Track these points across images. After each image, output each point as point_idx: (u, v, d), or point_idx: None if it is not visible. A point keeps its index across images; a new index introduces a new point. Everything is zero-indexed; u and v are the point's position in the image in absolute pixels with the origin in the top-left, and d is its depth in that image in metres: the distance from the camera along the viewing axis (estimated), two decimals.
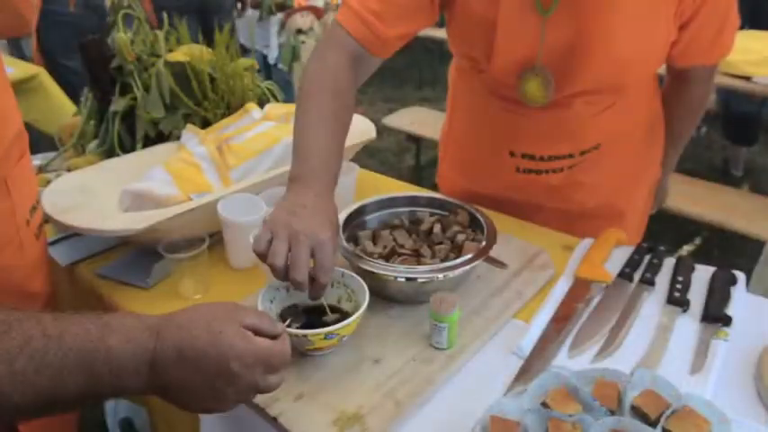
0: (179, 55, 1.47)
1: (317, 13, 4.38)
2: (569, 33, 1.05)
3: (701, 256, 3.04)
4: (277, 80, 4.60)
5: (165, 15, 1.61)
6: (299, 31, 4.29)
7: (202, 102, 1.43)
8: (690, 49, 1.15)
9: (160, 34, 1.51)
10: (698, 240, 3.10)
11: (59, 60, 3.29)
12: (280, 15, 4.30)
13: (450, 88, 1.39)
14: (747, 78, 2.72)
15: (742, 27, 3.29)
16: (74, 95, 2.55)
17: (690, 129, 1.40)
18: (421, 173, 3.84)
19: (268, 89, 1.69)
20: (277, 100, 1.69)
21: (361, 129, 1.42)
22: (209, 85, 1.43)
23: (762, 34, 3.00)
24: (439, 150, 1.49)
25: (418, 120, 3.52)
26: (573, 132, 1.21)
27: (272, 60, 4.37)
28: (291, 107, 1.52)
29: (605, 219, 1.30)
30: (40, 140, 2.71)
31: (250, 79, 1.59)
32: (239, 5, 4.22)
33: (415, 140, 3.66)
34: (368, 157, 4.31)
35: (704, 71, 1.25)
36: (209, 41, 1.53)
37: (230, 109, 1.46)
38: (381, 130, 3.82)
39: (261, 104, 1.55)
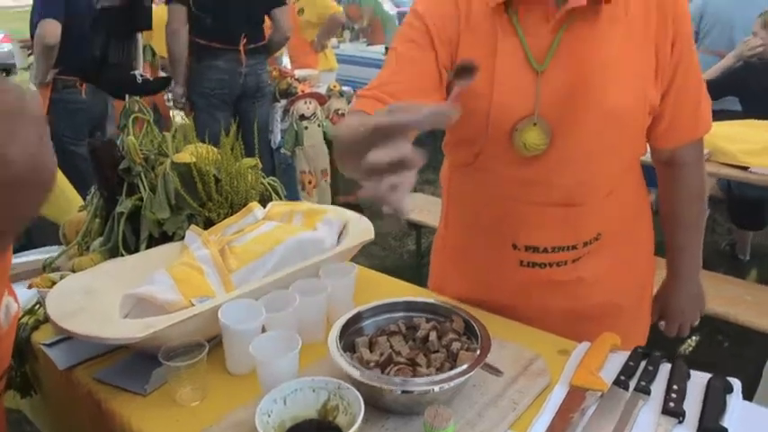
0: (185, 155, 1.53)
1: (320, 99, 4.53)
2: (564, 86, 1.11)
3: (708, 348, 3.02)
4: (279, 163, 4.71)
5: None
6: (302, 117, 4.42)
7: (206, 203, 1.47)
8: (674, 124, 1.22)
9: (168, 135, 1.57)
10: (706, 331, 3.08)
11: (68, 147, 3.38)
12: (284, 102, 4.45)
13: (444, 194, 1.42)
14: (745, 168, 2.78)
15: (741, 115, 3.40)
16: (80, 181, 2.59)
17: (700, 217, 1.40)
18: (422, 259, 3.87)
19: (270, 186, 1.74)
20: (279, 196, 1.74)
21: (360, 229, 1.46)
22: (213, 186, 1.48)
23: (758, 123, 3.09)
24: (432, 258, 1.51)
25: (418, 207, 3.57)
26: (575, 222, 1.23)
27: (274, 145, 4.48)
28: (294, 205, 1.57)
29: (610, 317, 1.31)
30: (45, 231, 2.75)
31: (254, 177, 1.64)
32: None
33: (416, 227, 3.70)
34: (370, 242, 4.35)
35: (692, 151, 1.31)
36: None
37: (233, 208, 1.51)
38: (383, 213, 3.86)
39: (263, 201, 1.60)
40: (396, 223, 4.10)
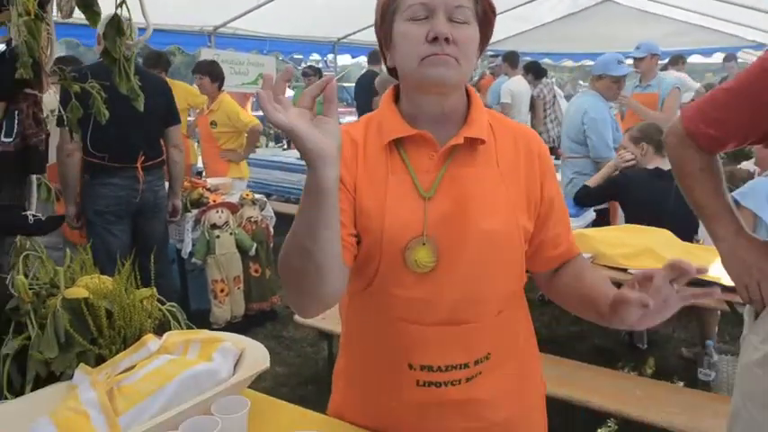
0: (78, 290, 1.52)
1: (233, 208, 4.57)
2: (448, 211, 1.26)
3: None
4: (191, 269, 4.66)
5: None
6: (214, 226, 4.43)
7: (97, 339, 1.46)
8: (564, 245, 1.42)
9: (60, 271, 1.57)
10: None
11: None
12: (195, 212, 4.46)
13: (343, 322, 1.49)
14: (624, 270, 3.00)
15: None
16: None
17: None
18: None
19: (169, 311, 1.74)
20: (179, 322, 1.74)
21: (256, 357, 1.48)
22: (105, 322, 1.48)
23: (634, 228, 3.36)
24: (333, 382, 1.54)
25: (328, 315, 3.58)
26: (466, 339, 1.31)
27: (184, 255, 4.46)
28: (191, 334, 1.57)
29: None
30: None
31: (150, 305, 1.64)
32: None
33: (327, 337, 3.70)
34: (285, 348, 4.31)
35: (581, 260, 1.46)
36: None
37: (126, 342, 1.50)
38: (297, 324, 3.85)
39: (162, 327, 1.60)
40: None
